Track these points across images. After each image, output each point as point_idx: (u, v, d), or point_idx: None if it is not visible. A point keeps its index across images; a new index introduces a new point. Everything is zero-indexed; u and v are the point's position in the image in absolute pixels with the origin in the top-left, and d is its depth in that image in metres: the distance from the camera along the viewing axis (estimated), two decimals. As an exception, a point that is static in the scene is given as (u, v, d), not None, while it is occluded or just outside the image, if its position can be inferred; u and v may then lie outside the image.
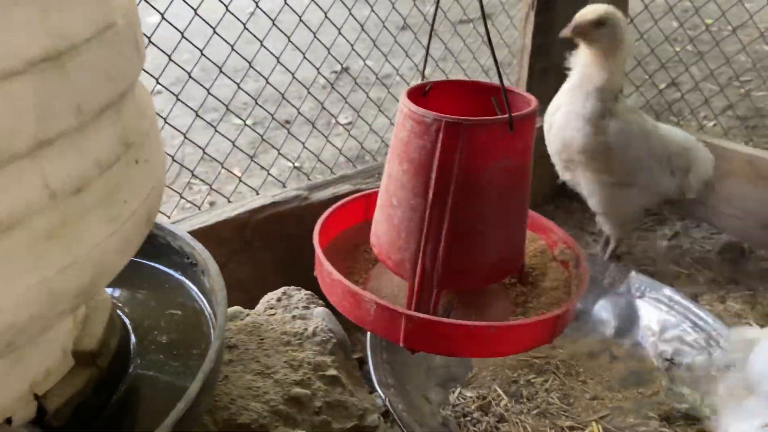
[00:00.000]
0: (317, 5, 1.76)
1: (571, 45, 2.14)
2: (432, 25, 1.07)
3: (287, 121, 3.25)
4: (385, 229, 1.08)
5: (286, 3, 1.64)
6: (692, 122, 2.87)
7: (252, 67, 1.62)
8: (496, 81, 1.06)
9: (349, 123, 3.24)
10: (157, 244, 1.07)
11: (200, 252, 1.00)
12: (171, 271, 1.08)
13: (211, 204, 2.40)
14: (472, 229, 1.05)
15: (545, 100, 2.18)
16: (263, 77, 1.68)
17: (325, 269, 1.05)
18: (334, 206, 1.21)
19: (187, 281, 1.05)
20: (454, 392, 1.48)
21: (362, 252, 1.21)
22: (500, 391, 1.46)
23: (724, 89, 2.46)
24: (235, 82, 1.68)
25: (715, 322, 1.56)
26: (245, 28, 1.59)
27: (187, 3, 1.51)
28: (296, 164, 2.63)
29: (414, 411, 1.34)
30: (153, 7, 1.40)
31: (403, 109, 1.03)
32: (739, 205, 1.91)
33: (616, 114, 1.62)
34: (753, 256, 1.88)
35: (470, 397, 1.46)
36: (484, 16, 1.05)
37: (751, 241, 1.91)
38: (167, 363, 0.91)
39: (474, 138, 0.99)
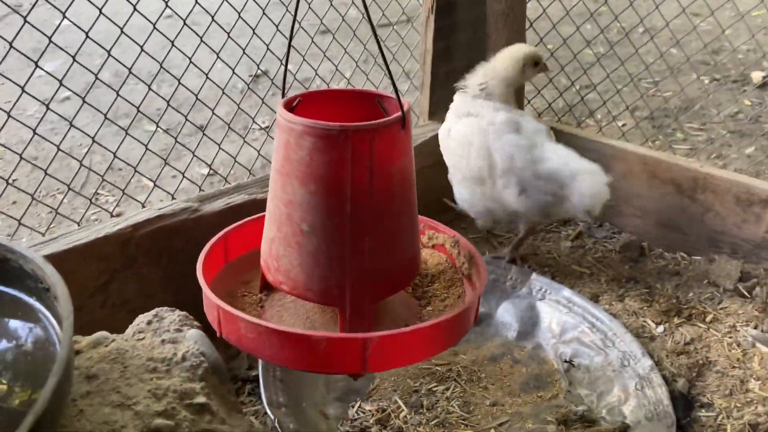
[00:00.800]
0: (231, 5, 1.70)
1: (473, 50, 2.15)
2: (291, 37, 1.02)
3: (201, 126, 3.16)
4: (297, 261, 1.01)
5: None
6: (602, 122, 2.94)
7: (129, 71, 1.54)
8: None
9: (267, 127, 3.17)
10: (9, 269, 0.99)
11: (51, 275, 0.92)
12: (25, 297, 0.99)
13: (119, 215, 2.30)
14: (390, 235, 1.03)
15: (448, 105, 2.18)
16: (140, 81, 1.60)
17: (245, 323, 0.97)
18: (202, 257, 1.12)
19: (42, 307, 0.97)
20: (353, 406, 1.44)
21: (240, 298, 1.14)
22: (400, 403, 1.43)
23: (632, 90, 2.53)
24: (111, 87, 1.60)
25: (611, 321, 1.58)
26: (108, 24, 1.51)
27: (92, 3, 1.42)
28: (211, 171, 2.56)
29: (308, 429, 1.30)
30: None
31: (295, 127, 0.96)
32: (638, 205, 1.95)
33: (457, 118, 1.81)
34: (651, 254, 1.92)
35: (369, 411, 1.42)
36: (371, 23, 1.02)
37: (649, 240, 1.95)
38: (9, 400, 0.84)
39: (381, 141, 0.97)
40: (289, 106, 1.03)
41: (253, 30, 1.78)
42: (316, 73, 2.08)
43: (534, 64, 1.79)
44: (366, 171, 0.96)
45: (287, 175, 0.98)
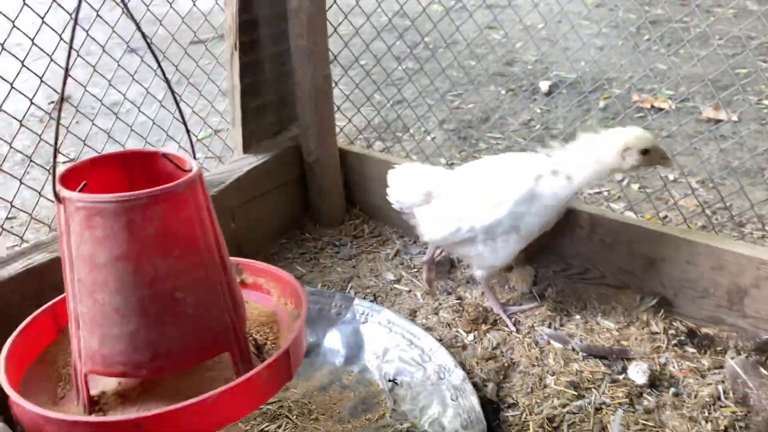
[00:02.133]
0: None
1: (282, 83, 2.19)
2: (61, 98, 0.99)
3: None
4: (179, 333, 0.98)
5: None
6: (416, 136, 3.13)
7: None
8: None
9: (73, 160, 2.98)
10: None
11: None
12: None
13: None
14: (231, 273, 1.09)
15: (261, 138, 2.20)
16: None
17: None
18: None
19: None
20: (184, 460, 1.42)
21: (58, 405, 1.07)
22: (233, 449, 1.44)
23: (439, 103, 2.72)
24: None
25: (425, 337, 1.70)
26: None
27: None
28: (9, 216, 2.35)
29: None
30: None
31: (138, 202, 0.90)
32: (445, 221, 2.11)
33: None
34: (460, 265, 2.09)
35: (201, 463, 1.41)
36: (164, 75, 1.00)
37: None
38: None
39: (204, 188, 1.00)
40: (78, 183, 0.99)
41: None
42: (125, 97, 2.00)
43: (643, 152, 1.59)
44: (209, 218, 1.00)
45: (141, 253, 0.93)
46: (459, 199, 1.75)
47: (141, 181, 1.05)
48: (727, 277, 1.67)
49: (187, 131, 1.02)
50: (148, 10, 1.79)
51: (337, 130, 2.30)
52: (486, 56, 4.15)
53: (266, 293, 1.27)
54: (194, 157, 1.03)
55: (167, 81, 0.99)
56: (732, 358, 1.62)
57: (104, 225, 0.91)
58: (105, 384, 1.06)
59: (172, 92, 1.01)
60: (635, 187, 2.64)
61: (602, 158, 1.63)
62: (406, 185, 1.83)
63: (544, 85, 3.71)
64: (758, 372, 1.57)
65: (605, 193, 2.61)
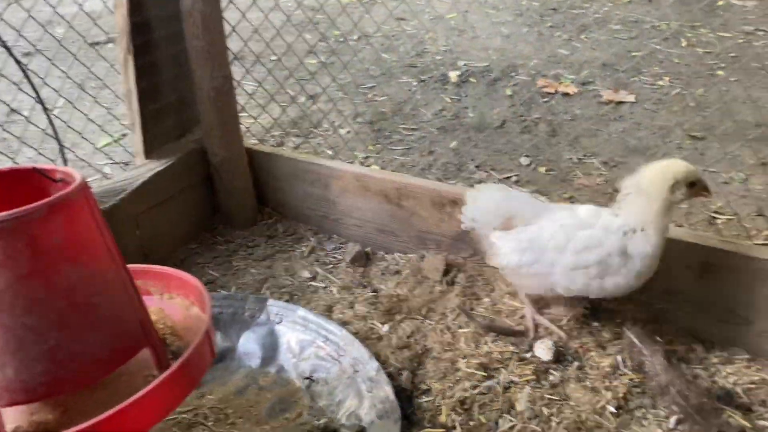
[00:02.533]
0: None
1: (182, 84, 2.14)
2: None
3: None
4: (100, 338, 0.97)
5: None
6: (329, 132, 3.13)
7: None
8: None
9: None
10: None
11: None
12: None
13: None
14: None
15: (164, 141, 2.15)
16: None
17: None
18: None
19: None
20: (95, 479, 1.38)
21: None
22: (146, 462, 1.41)
23: (352, 97, 2.72)
24: None
25: (340, 331, 1.72)
26: None
27: None
28: None
29: None
30: None
31: (34, 216, 0.88)
32: (357, 216, 2.13)
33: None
34: (375, 258, 2.12)
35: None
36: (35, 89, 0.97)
37: (372, 245, 2.15)
38: None
39: (90, 192, 1.00)
40: None
41: None
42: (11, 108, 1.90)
43: (689, 185, 1.53)
44: (101, 220, 1.00)
45: (50, 266, 0.91)
46: (547, 233, 1.67)
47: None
48: (621, 253, 1.76)
49: (58, 140, 0.99)
50: (30, 15, 1.71)
51: (245, 129, 2.28)
52: (397, 48, 4.19)
53: (146, 293, 1.25)
54: (65, 164, 1.01)
55: (34, 87, 0.96)
56: (629, 329, 1.71)
57: (4, 246, 0.88)
58: (16, 418, 1.02)
59: (41, 103, 0.98)
60: (542, 170, 2.74)
61: (657, 198, 1.55)
62: (487, 206, 1.78)
63: (453, 75, 3.78)
64: (653, 339, 1.67)
65: (513, 178, 2.70)
